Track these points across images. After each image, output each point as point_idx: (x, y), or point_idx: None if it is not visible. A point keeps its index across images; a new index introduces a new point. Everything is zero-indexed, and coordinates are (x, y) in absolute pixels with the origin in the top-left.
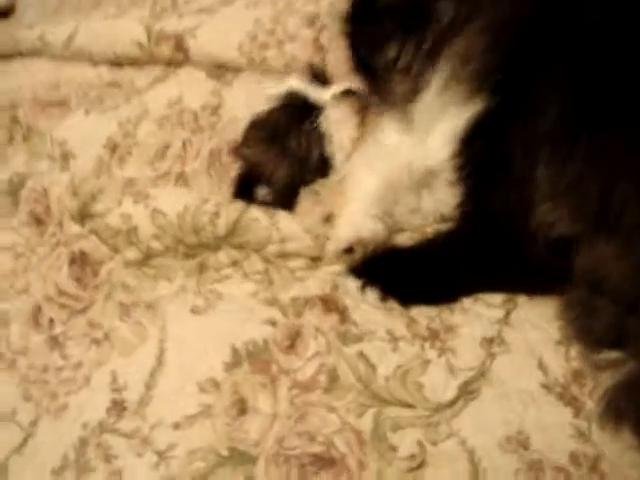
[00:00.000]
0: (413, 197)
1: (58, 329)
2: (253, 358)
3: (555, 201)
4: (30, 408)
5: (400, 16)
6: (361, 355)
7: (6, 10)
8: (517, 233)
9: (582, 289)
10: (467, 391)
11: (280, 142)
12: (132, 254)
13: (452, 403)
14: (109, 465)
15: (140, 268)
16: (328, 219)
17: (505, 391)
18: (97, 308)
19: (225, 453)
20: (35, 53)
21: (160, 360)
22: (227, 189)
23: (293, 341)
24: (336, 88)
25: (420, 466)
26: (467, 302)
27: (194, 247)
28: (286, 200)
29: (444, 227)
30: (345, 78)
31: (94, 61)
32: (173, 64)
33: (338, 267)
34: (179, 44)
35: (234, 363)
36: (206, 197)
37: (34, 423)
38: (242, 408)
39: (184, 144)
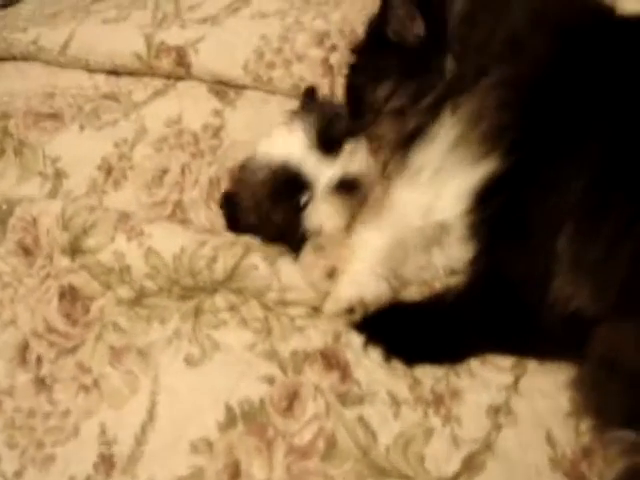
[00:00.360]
0: (423, 255)
1: (45, 369)
2: (248, 419)
3: (576, 276)
4: (14, 456)
5: (405, 56)
6: (361, 420)
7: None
8: (531, 300)
9: (596, 366)
10: (471, 465)
11: (266, 215)
12: (125, 292)
13: (455, 478)
14: None
15: (133, 308)
16: (332, 274)
17: (511, 466)
18: (87, 349)
19: None
20: (29, 57)
21: (151, 414)
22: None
23: (291, 402)
24: (336, 171)
25: None
26: (474, 364)
27: (190, 289)
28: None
29: (453, 281)
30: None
31: (90, 69)
32: (173, 77)
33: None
34: (180, 58)
35: (228, 423)
36: (203, 239)
37: (19, 474)
38: (235, 472)
39: (183, 169)
